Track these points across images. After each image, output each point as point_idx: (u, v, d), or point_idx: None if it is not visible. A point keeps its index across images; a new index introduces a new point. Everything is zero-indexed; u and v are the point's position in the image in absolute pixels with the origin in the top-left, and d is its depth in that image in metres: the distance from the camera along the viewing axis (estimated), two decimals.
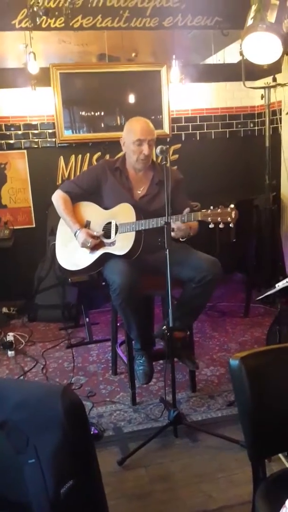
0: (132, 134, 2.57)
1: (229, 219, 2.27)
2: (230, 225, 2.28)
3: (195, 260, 2.48)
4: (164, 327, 2.65)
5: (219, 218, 2.28)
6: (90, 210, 2.73)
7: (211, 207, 2.32)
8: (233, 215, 2.28)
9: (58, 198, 2.73)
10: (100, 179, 2.69)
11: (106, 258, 2.59)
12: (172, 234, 2.37)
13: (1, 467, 1.38)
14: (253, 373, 1.35)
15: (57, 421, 1.30)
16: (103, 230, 2.63)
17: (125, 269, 2.42)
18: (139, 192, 2.67)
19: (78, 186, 2.72)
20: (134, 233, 2.50)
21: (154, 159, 2.80)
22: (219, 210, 2.29)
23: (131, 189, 2.67)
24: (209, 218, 2.30)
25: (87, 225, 2.70)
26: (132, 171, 2.69)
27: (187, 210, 2.39)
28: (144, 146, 2.55)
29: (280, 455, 2.06)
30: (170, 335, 2.26)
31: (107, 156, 4.27)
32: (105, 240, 2.61)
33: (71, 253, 2.71)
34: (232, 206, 2.29)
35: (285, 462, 2.04)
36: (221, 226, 2.29)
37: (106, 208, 2.68)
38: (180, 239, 2.40)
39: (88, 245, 2.59)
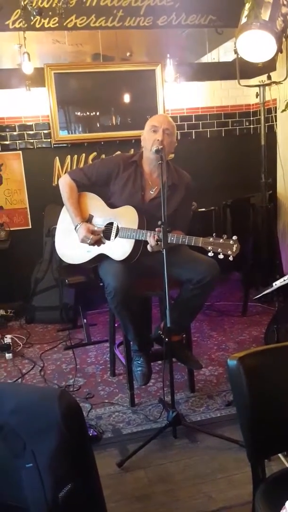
0: (149, 124, 2.53)
1: (229, 252, 2.26)
2: (230, 258, 2.26)
3: (193, 261, 2.47)
4: (160, 331, 2.65)
5: (219, 249, 2.26)
6: (95, 205, 2.68)
7: (214, 235, 2.29)
8: (234, 249, 2.26)
9: (64, 185, 2.66)
10: (111, 175, 2.62)
11: (103, 257, 2.57)
12: (148, 248, 2.37)
13: None
14: (251, 373, 1.34)
15: (54, 424, 1.29)
16: (104, 229, 2.60)
17: (120, 272, 2.41)
18: (152, 192, 2.60)
19: (87, 177, 2.65)
20: (133, 240, 2.47)
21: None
22: (221, 240, 2.27)
23: (144, 188, 2.60)
24: (210, 247, 2.28)
25: (89, 219, 2.65)
26: (148, 170, 2.62)
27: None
28: (158, 132, 2.46)
29: (280, 455, 2.05)
30: (167, 335, 2.25)
31: (103, 156, 4.26)
32: (104, 241, 2.59)
33: (69, 245, 2.68)
34: (235, 238, 2.26)
35: (285, 462, 2.03)
36: (220, 256, 2.27)
37: (112, 205, 2.63)
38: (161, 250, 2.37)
39: (88, 241, 2.55)
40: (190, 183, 2.68)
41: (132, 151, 3.09)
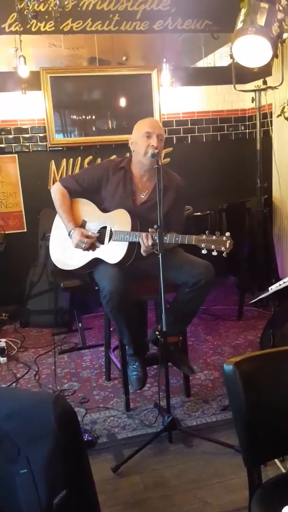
0: (141, 128, 2.52)
1: (223, 248, 2.25)
2: (224, 254, 2.26)
3: (188, 264, 2.46)
4: (157, 332, 2.64)
5: (213, 246, 2.26)
6: (88, 210, 2.68)
7: (207, 232, 2.29)
8: (227, 245, 2.26)
9: (56, 192, 2.68)
10: (101, 181, 2.64)
11: (97, 262, 2.57)
12: (142, 252, 2.38)
13: None
14: (247, 378, 1.34)
15: (49, 430, 1.28)
16: (97, 233, 2.60)
17: (115, 275, 2.40)
18: (142, 196, 2.61)
19: (78, 183, 2.67)
20: (127, 243, 2.47)
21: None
22: (214, 237, 2.27)
23: (134, 192, 2.61)
24: (203, 244, 2.28)
25: (82, 225, 2.66)
26: (137, 174, 2.62)
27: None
28: (153, 138, 2.47)
29: (276, 460, 2.05)
30: (163, 339, 2.24)
31: (98, 160, 4.26)
32: (98, 245, 2.59)
33: (64, 251, 2.67)
34: (228, 234, 2.27)
35: (281, 467, 2.03)
36: (214, 253, 2.27)
37: (104, 210, 2.64)
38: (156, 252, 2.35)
39: (83, 246, 2.54)
40: (180, 184, 2.68)
41: (128, 155, 3.09)
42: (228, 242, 2.26)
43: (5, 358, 3.36)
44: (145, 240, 2.35)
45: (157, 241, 2.24)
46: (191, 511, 1.93)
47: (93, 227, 2.63)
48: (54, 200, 2.68)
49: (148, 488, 2.07)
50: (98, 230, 2.60)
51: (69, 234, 2.60)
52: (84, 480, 1.40)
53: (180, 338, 2.67)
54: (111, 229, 2.56)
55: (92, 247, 2.57)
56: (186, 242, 2.33)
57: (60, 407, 1.31)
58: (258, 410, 1.35)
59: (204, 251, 2.28)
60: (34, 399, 1.43)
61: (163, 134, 2.56)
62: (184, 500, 1.98)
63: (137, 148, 2.54)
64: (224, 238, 2.27)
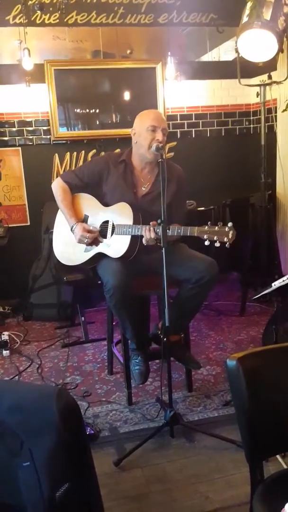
0: (145, 121, 2.49)
1: (225, 239, 2.23)
2: (226, 245, 2.24)
3: (192, 260, 2.46)
4: (158, 330, 2.64)
5: (215, 237, 2.24)
6: (89, 205, 2.68)
7: (209, 223, 2.27)
8: (230, 235, 2.23)
9: (57, 188, 2.68)
10: (102, 175, 2.63)
11: (101, 256, 2.56)
12: (143, 241, 2.37)
13: None
14: (250, 373, 1.34)
15: (52, 423, 1.28)
16: (100, 227, 2.60)
17: (119, 270, 2.40)
18: (144, 188, 2.60)
19: (79, 178, 2.66)
20: (129, 236, 2.46)
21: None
22: (216, 228, 2.25)
23: (135, 185, 2.60)
24: (205, 236, 2.26)
25: (85, 219, 2.65)
26: (138, 166, 2.61)
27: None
28: (158, 132, 2.46)
29: (277, 456, 2.05)
30: (165, 334, 2.24)
31: (102, 153, 4.24)
32: (101, 239, 2.58)
33: (67, 247, 2.67)
34: (230, 225, 2.25)
35: (282, 463, 2.03)
36: (217, 244, 2.25)
37: (106, 204, 2.63)
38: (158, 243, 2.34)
39: (85, 241, 2.54)
40: (182, 175, 2.66)
41: None
42: (230, 232, 2.24)
43: (7, 351, 3.37)
44: (147, 233, 2.34)
45: (160, 235, 2.23)
46: (192, 505, 1.94)
47: (95, 222, 2.62)
48: (56, 195, 2.68)
49: (149, 482, 2.07)
50: (100, 225, 2.60)
51: (71, 229, 2.59)
52: (87, 473, 1.40)
53: (182, 335, 2.67)
54: (113, 223, 2.55)
55: (95, 241, 2.56)
56: (188, 234, 2.32)
57: (64, 400, 1.31)
58: (260, 405, 1.35)
59: (206, 243, 2.26)
60: (37, 392, 1.43)
61: (167, 128, 2.55)
62: (185, 494, 1.99)
63: (140, 140, 2.52)
64: (227, 228, 2.24)
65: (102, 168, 2.63)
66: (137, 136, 2.53)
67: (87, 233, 2.53)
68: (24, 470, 1.30)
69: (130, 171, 2.60)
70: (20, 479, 1.31)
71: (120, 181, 2.59)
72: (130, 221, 2.47)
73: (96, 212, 2.64)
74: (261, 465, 1.41)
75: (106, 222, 2.59)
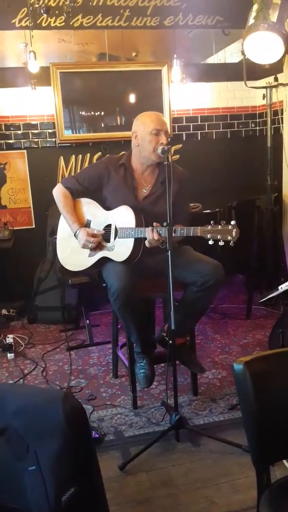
0: (148, 125, 2.48)
1: (229, 237, 2.21)
2: (231, 243, 2.22)
3: (197, 263, 2.44)
4: (164, 333, 2.62)
5: (219, 236, 2.22)
6: (91, 209, 2.68)
7: (212, 222, 2.26)
8: (233, 234, 2.21)
9: (58, 194, 2.68)
10: (102, 179, 2.63)
11: (105, 260, 2.56)
12: (146, 243, 2.36)
13: (0, 474, 1.36)
14: (257, 377, 1.32)
15: (58, 427, 1.28)
16: (103, 231, 2.59)
17: (123, 273, 2.39)
18: (145, 191, 2.60)
19: (79, 183, 2.66)
20: (133, 239, 2.45)
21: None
22: (219, 227, 2.23)
23: (136, 188, 2.60)
24: (209, 235, 2.24)
25: (87, 224, 2.65)
26: (138, 169, 2.61)
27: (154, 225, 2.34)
28: (161, 136, 2.46)
29: (284, 461, 2.03)
30: (171, 337, 2.23)
31: (108, 156, 4.24)
32: (104, 244, 2.58)
33: (71, 252, 2.67)
34: (233, 223, 2.23)
35: None
36: (221, 243, 2.23)
37: (108, 208, 2.63)
38: (160, 246, 2.34)
39: (90, 245, 2.54)
40: (184, 175, 2.65)
41: None
42: (234, 230, 2.21)
43: (12, 354, 3.37)
44: (151, 234, 2.34)
45: (163, 236, 2.22)
46: (197, 510, 1.92)
47: (97, 226, 2.62)
48: (57, 201, 2.68)
49: (154, 487, 2.06)
50: (103, 229, 2.59)
51: (75, 235, 2.59)
52: (93, 477, 1.39)
53: (188, 338, 2.66)
54: (116, 227, 2.55)
55: (99, 246, 2.56)
56: (191, 234, 2.30)
57: (70, 404, 1.30)
58: (267, 410, 1.33)
59: (210, 242, 2.24)
60: (43, 396, 1.42)
61: (169, 131, 2.56)
62: (191, 499, 1.97)
63: (143, 143, 2.51)
64: (230, 226, 2.23)
65: (102, 172, 2.63)
66: (140, 139, 2.52)
67: (91, 237, 2.53)
68: (30, 474, 1.29)
69: (130, 174, 2.60)
70: (26, 483, 1.30)
71: (121, 185, 2.59)
72: (132, 224, 2.46)
73: (98, 217, 2.64)
74: (268, 469, 1.39)
75: (109, 226, 2.58)
